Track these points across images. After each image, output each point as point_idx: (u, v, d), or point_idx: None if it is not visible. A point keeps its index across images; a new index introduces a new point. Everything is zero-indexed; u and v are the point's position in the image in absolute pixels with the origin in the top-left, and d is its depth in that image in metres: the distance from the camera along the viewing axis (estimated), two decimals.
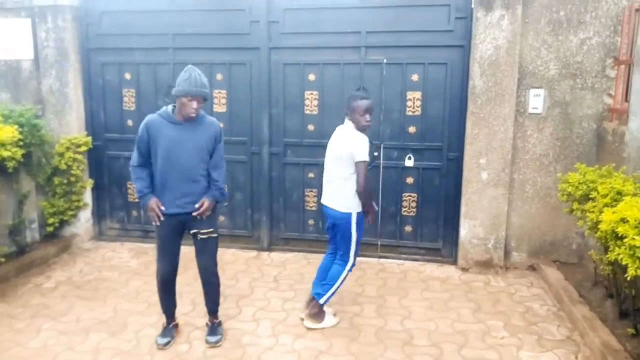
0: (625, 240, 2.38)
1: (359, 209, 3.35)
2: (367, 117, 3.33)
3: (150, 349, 3.21)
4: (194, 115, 3.01)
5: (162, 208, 3.06)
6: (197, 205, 3.08)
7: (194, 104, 2.98)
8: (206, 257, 3.25)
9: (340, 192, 3.35)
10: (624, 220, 2.46)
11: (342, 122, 4.69)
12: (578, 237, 4.44)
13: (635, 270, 2.29)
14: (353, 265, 3.45)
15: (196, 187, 3.11)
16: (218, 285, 3.36)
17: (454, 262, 4.70)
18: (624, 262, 2.38)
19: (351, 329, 3.47)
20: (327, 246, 3.69)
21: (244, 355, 3.16)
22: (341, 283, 3.45)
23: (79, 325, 3.53)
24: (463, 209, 4.52)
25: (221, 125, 3.29)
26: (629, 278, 2.43)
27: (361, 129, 3.35)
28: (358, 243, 3.43)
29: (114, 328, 3.48)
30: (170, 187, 3.07)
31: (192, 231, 3.18)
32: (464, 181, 4.49)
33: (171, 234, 3.17)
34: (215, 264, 3.29)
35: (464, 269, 4.56)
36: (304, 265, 4.66)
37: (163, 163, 3.05)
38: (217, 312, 3.41)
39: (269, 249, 5.05)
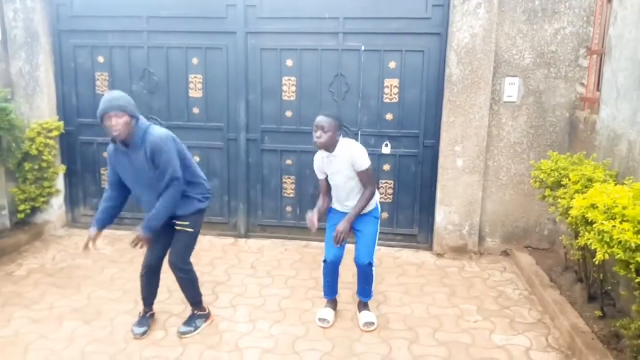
0: (594, 225, 2.44)
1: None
2: (316, 133, 3.15)
3: (125, 336, 3.19)
4: (116, 134, 2.80)
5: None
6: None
7: (111, 122, 2.78)
8: (175, 250, 3.14)
9: None
10: (593, 206, 2.52)
11: (320, 109, 4.72)
12: (550, 223, 4.55)
13: (604, 255, 2.36)
14: (324, 261, 3.41)
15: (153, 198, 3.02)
16: (188, 280, 3.23)
17: (430, 247, 4.77)
18: (593, 247, 2.45)
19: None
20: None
21: (221, 341, 3.16)
22: (323, 278, 3.50)
23: (52, 313, 3.47)
24: (438, 195, 4.58)
25: (160, 139, 2.91)
26: (597, 262, 2.50)
27: (314, 144, 3.23)
28: (326, 240, 3.41)
29: (88, 316, 3.43)
30: (142, 201, 3.10)
31: (172, 221, 3.11)
32: (439, 168, 4.54)
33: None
34: (183, 261, 3.17)
35: (439, 255, 4.63)
36: (281, 252, 4.67)
37: (128, 185, 3.09)
38: (197, 304, 3.32)
39: (246, 235, 5.04)
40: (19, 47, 4.82)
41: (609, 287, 3.30)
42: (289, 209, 5.00)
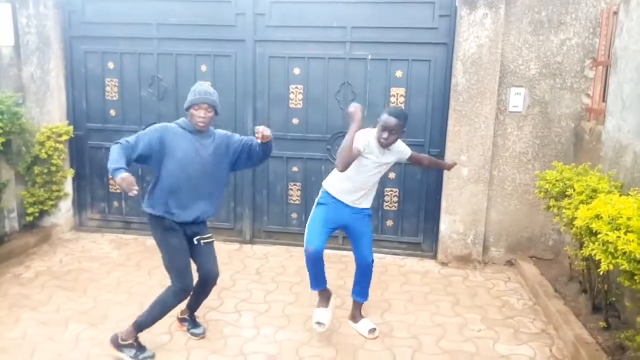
0: (599, 236, 2.45)
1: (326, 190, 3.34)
2: (384, 134, 3.09)
3: None
4: (202, 125, 2.94)
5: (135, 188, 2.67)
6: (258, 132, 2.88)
7: (201, 113, 2.93)
8: (213, 259, 3.15)
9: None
10: (598, 217, 2.53)
11: (326, 117, 4.76)
12: (554, 234, 4.55)
13: (608, 265, 2.36)
14: (306, 250, 3.21)
15: (212, 192, 3.06)
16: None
17: (434, 256, 4.78)
18: (597, 258, 2.45)
19: (332, 320, 3.49)
20: None
21: (226, 346, 3.18)
22: (308, 270, 3.31)
23: (58, 315, 3.50)
24: (443, 204, 4.60)
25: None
26: (601, 273, 2.51)
27: (378, 142, 3.15)
28: (310, 227, 3.29)
29: (95, 318, 3.46)
30: (183, 194, 2.96)
31: (195, 238, 3.06)
32: (444, 177, 4.56)
33: (184, 245, 3.03)
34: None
35: (444, 264, 4.64)
36: (286, 258, 4.69)
37: (177, 173, 2.92)
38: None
39: (252, 241, 5.07)
40: (31, 52, 4.89)
41: (614, 299, 3.29)
42: (294, 215, 5.02)
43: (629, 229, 2.31)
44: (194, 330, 3.28)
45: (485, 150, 4.43)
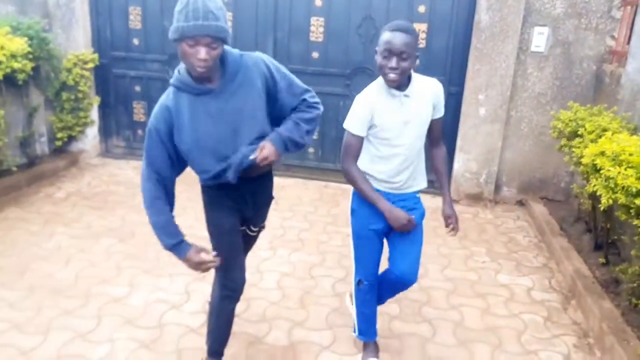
0: (601, 172, 2.54)
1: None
2: (392, 62, 1.98)
3: (158, 254, 3.42)
4: (202, 70, 1.77)
5: (209, 258, 1.97)
6: (252, 157, 1.91)
7: (201, 53, 1.72)
8: (246, 254, 2.39)
9: None
10: (603, 154, 2.61)
11: (347, 52, 4.77)
12: (567, 176, 4.62)
13: (608, 200, 2.47)
14: (357, 284, 2.36)
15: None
16: None
17: None
18: (598, 193, 2.55)
19: (343, 246, 3.71)
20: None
21: None
22: (356, 309, 2.47)
23: (89, 231, 3.77)
24: (458, 143, 4.66)
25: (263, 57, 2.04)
26: (602, 208, 2.62)
27: (384, 79, 2.07)
28: (356, 249, 2.35)
29: (123, 235, 3.72)
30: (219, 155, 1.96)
31: (243, 226, 2.26)
32: (461, 116, 4.60)
33: (235, 221, 2.15)
34: None
35: (455, 201, 4.75)
36: (302, 190, 4.87)
37: (203, 149, 1.94)
38: None
39: None
40: None
41: (615, 237, 3.41)
42: (311, 150, 5.15)
43: (630, 165, 2.39)
44: None
45: (504, 90, 4.44)
